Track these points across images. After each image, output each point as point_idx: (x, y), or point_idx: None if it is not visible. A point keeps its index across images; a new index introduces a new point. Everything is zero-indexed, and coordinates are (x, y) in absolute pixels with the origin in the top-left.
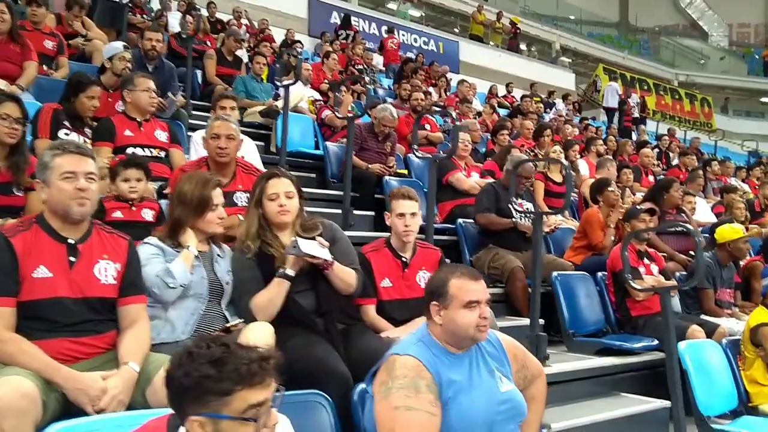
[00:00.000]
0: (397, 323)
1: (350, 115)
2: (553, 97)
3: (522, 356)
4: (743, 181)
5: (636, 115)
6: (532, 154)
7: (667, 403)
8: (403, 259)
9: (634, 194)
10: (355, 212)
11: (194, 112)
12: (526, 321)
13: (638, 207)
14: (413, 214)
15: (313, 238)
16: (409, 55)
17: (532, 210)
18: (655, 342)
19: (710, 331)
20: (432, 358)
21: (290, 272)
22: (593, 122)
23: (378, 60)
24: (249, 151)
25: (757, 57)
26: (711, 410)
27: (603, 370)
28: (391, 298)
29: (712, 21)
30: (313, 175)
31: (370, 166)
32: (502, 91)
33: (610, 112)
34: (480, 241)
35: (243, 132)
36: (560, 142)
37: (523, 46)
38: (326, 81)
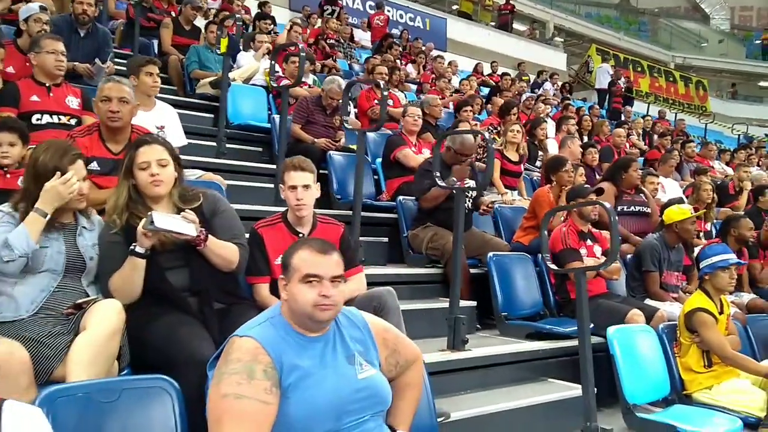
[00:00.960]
0: None
1: (285, 83)
2: (542, 77)
3: (393, 340)
4: (727, 164)
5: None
6: (495, 132)
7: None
8: (300, 234)
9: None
10: None
11: None
12: (467, 303)
13: (584, 186)
14: (306, 186)
15: (179, 212)
16: (395, 31)
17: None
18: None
19: (650, 315)
20: (277, 339)
21: (140, 250)
22: (583, 103)
23: (364, 36)
24: (170, 122)
25: (757, 42)
26: (639, 398)
27: (530, 355)
28: None
29: (714, 4)
30: (260, 149)
31: (315, 140)
32: (489, 70)
33: (601, 93)
34: (418, 218)
35: (193, 105)
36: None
37: (521, 26)
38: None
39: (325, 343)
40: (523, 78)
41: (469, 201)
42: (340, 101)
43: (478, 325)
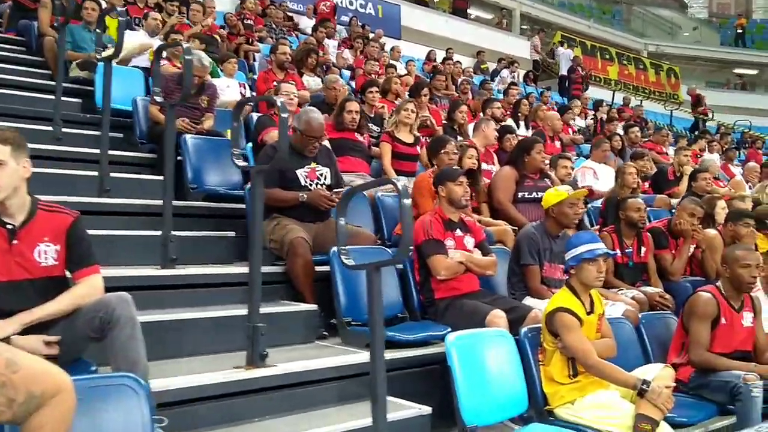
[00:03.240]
0: (4, 314)
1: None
2: (501, 64)
3: (3, 368)
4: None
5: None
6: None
7: (427, 410)
8: (9, 225)
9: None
10: (150, 177)
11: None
12: (306, 307)
13: (454, 168)
14: None
15: None
16: (343, 18)
17: (330, 176)
18: (445, 331)
19: (522, 316)
20: None
21: None
22: (544, 91)
23: (310, 23)
24: None
25: (729, 32)
26: (484, 417)
27: (360, 368)
28: None
29: None
30: (120, 135)
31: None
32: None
33: (562, 80)
34: (265, 208)
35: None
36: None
37: (487, 15)
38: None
39: None
40: (482, 66)
41: (321, 188)
42: (205, 79)
43: (325, 332)
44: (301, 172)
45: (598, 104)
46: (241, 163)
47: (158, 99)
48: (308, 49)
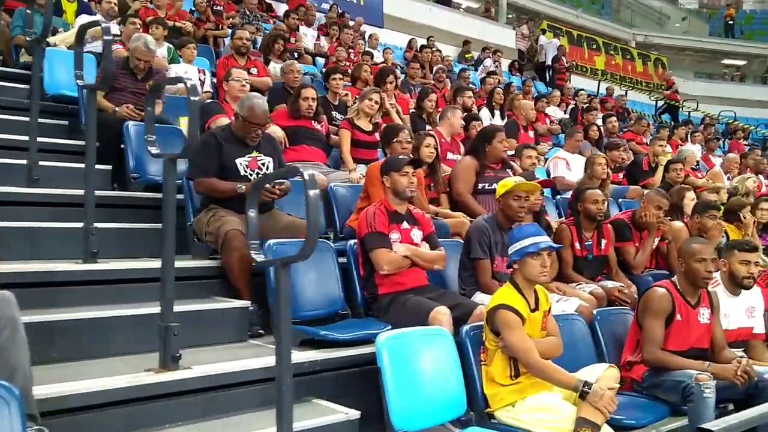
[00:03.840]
0: None
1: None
2: (484, 54)
3: None
4: (667, 140)
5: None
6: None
7: (355, 414)
8: None
9: None
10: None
11: None
12: (239, 303)
13: (399, 157)
14: None
15: None
16: (324, 5)
17: (272, 166)
18: (384, 329)
19: (468, 312)
20: None
21: None
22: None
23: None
24: None
25: (718, 23)
26: (413, 422)
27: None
28: None
29: None
30: (65, 123)
31: (117, 109)
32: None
33: (544, 69)
34: (202, 199)
35: (14, 75)
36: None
37: (473, 4)
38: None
39: None
40: (467, 56)
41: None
42: (153, 64)
43: (262, 330)
44: (241, 161)
45: (575, 94)
46: (155, 150)
47: (80, 83)
48: (275, 35)
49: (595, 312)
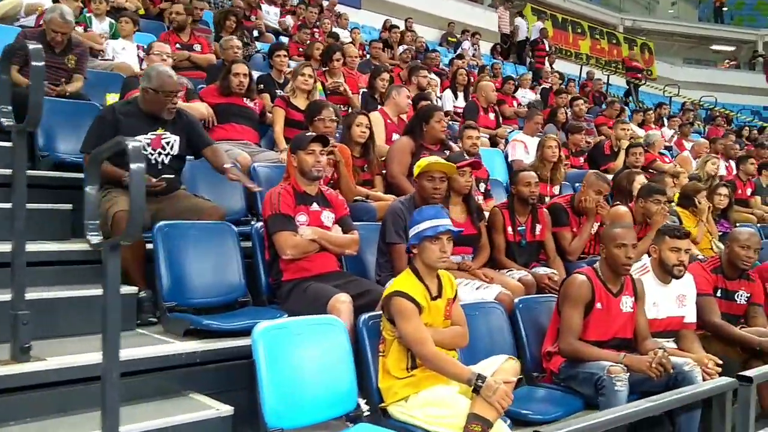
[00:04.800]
0: None
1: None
2: (464, 36)
3: None
4: (640, 125)
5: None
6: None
7: (227, 410)
8: None
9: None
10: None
11: None
12: (127, 290)
13: (306, 134)
14: None
15: None
16: None
17: (178, 146)
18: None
19: (376, 300)
20: None
21: None
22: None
23: None
24: None
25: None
26: (291, 419)
27: (165, 361)
28: None
29: None
30: None
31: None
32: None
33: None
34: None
35: None
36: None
37: None
38: None
39: None
40: (449, 39)
41: (164, 156)
42: (66, 35)
43: (154, 318)
44: (141, 139)
45: (544, 77)
46: (6, 122)
47: None
48: (226, 12)
49: (517, 300)
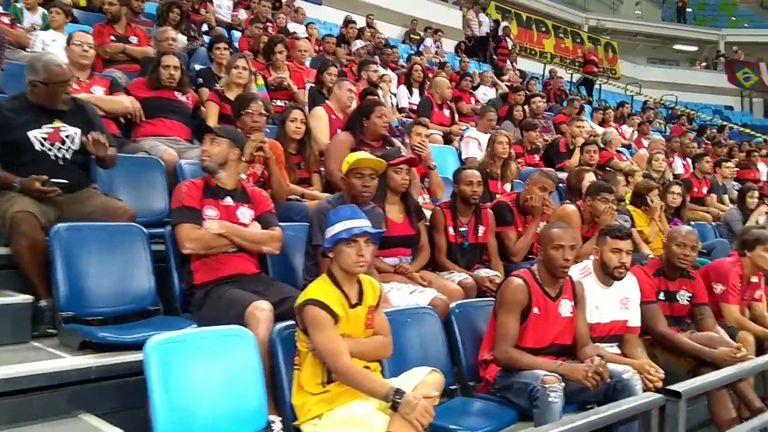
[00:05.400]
0: None
1: None
2: (426, 33)
3: None
4: (600, 123)
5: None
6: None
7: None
8: None
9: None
10: None
11: None
12: (17, 299)
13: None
14: None
15: None
16: None
17: (81, 135)
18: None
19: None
20: None
21: None
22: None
23: None
24: None
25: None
26: None
27: (51, 379)
28: None
29: None
30: None
31: None
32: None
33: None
34: None
35: None
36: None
37: None
38: None
39: None
40: (412, 36)
41: (65, 151)
42: None
43: (53, 330)
44: (36, 134)
45: (504, 74)
46: None
47: None
48: (169, 3)
49: (454, 305)
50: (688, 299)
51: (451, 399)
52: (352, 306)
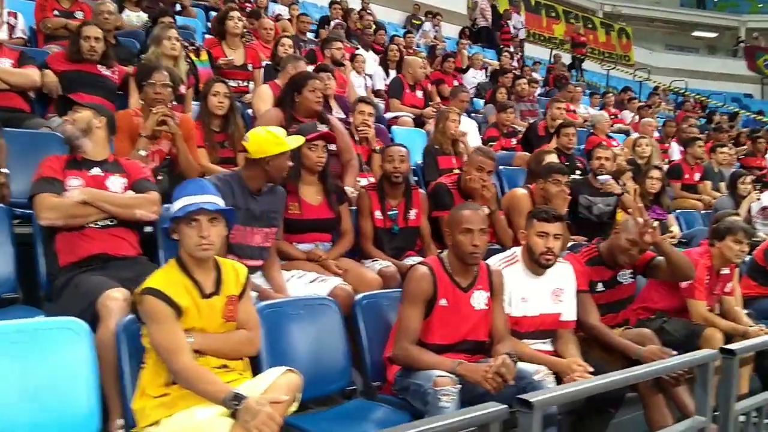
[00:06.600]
0: None
1: None
2: (426, 18)
3: None
4: (600, 108)
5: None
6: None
7: None
8: None
9: None
10: None
11: None
12: None
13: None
14: None
15: None
16: None
17: None
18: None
19: None
20: None
21: None
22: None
23: None
24: None
25: None
26: None
27: None
28: None
29: None
30: None
31: None
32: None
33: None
34: None
35: None
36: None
37: None
38: None
39: None
40: (413, 21)
41: None
42: None
43: None
44: None
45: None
46: None
47: None
48: None
49: (360, 296)
50: (632, 275)
51: (348, 401)
52: (206, 296)
